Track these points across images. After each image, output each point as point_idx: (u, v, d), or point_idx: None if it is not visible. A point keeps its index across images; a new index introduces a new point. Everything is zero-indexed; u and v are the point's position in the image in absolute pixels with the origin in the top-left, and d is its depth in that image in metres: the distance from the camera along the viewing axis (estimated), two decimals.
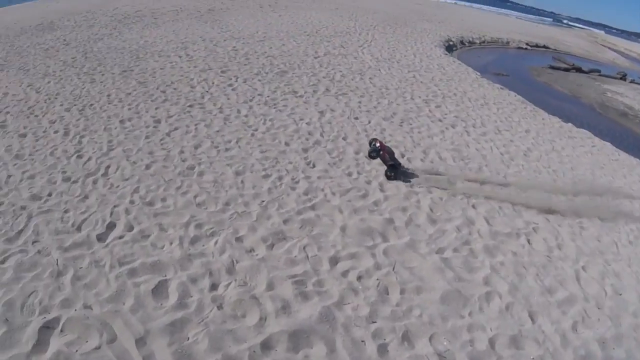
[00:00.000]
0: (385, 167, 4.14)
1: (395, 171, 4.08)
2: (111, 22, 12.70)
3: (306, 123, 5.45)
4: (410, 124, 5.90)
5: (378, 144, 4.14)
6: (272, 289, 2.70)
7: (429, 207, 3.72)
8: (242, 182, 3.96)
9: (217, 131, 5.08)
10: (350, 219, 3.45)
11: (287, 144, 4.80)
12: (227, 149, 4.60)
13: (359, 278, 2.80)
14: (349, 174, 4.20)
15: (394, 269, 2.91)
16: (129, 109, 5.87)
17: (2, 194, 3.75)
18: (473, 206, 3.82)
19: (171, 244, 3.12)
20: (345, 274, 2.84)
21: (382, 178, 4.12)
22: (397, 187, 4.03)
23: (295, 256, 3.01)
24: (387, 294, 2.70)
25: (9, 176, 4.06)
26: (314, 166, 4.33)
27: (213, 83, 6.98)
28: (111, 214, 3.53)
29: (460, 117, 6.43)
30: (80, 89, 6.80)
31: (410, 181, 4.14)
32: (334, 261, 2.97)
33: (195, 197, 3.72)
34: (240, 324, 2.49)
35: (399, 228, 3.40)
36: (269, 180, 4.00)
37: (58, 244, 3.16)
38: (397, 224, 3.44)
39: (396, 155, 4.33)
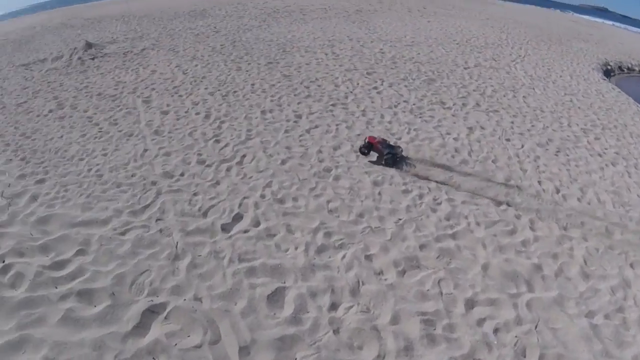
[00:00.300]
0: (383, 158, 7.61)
1: (394, 160, 7.57)
2: (261, 14, 23.49)
3: (453, 138, 8.71)
4: (567, 155, 8.99)
5: (367, 140, 7.68)
6: (397, 323, 4.29)
7: (582, 258, 5.63)
8: (379, 193, 6.63)
9: (358, 135, 8.37)
10: (494, 257, 5.42)
11: (431, 158, 7.83)
12: None
13: (496, 331, 4.30)
14: (498, 204, 6.73)
15: (536, 327, 4.38)
16: (271, 101, 9.99)
17: (136, 166, 7.14)
18: (631, 265, 5.64)
19: (296, 248, 5.34)
20: (480, 322, 4.40)
21: (534, 213, 6.60)
22: (549, 228, 6.24)
23: (428, 290, 4.78)
24: (524, 356, 4.07)
25: (145, 150, 7.70)
26: (458, 187, 6.99)
27: (358, 84, 11.57)
28: (240, 205, 6.06)
29: (621, 154, 9.49)
30: (226, 75, 11.99)
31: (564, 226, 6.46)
32: (470, 304, 4.63)
33: (328, 202, 6.32)
34: (355, 357, 4.05)
35: (547, 278, 5.18)
36: (408, 197, 6.62)
37: (181, 226, 5.63)
38: (546, 273, 5.25)
39: (548, 187, 7.57)
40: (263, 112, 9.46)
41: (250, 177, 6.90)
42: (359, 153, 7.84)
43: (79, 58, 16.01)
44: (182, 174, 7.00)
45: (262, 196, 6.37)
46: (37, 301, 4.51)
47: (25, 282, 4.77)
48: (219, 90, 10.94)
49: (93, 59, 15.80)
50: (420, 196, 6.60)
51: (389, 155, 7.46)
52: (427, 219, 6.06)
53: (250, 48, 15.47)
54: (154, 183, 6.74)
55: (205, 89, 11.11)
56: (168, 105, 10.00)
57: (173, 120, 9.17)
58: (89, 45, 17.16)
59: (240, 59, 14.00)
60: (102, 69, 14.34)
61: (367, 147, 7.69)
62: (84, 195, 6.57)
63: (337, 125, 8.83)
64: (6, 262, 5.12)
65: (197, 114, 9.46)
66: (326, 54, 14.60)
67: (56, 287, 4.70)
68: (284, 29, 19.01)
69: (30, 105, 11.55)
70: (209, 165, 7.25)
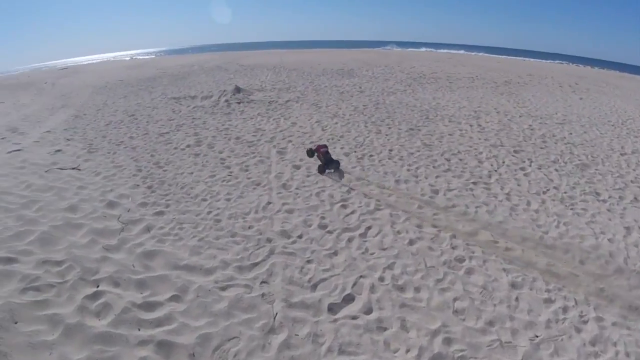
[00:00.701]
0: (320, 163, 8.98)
1: (331, 165, 9.13)
2: (407, 79, 23.83)
3: (608, 239, 7.35)
4: None
5: (314, 147, 9.28)
6: None
7: None
8: (516, 299, 5.65)
9: (500, 222, 7.42)
10: None
11: (581, 262, 6.55)
12: (507, 248, 6.72)
13: None
14: None
15: None
16: (408, 170, 9.44)
17: (255, 218, 7.04)
18: None
19: (407, 351, 4.66)
20: None
21: None
22: None
23: None
24: None
25: (269, 203, 7.61)
26: (610, 302, 5.70)
27: (503, 162, 10.54)
28: (354, 284, 5.53)
29: None
30: (365, 137, 11.77)
31: None
32: None
33: (455, 299, 5.52)
34: None
35: None
36: (550, 308, 5.53)
37: (286, 295, 5.24)
38: None
39: None
40: (397, 181, 8.94)
41: (372, 254, 6.31)
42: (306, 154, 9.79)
43: (226, 100, 17.06)
44: (300, 236, 6.68)
45: (381, 279, 5.76)
46: (115, 339, 4.42)
47: (110, 315, 4.76)
48: (354, 151, 10.74)
49: (239, 103, 16.78)
50: (565, 309, 5.49)
51: (328, 161, 9.23)
52: (569, 340, 5.01)
53: (392, 112, 15.36)
54: (269, 240, 6.53)
55: (342, 148, 10.97)
56: (301, 160, 9.99)
57: (303, 176, 9.06)
58: (237, 90, 18.25)
59: (381, 121, 13.87)
60: (245, 114, 15.22)
61: (312, 152, 9.68)
62: (197, 237, 6.57)
63: (476, 207, 7.96)
64: (100, 288, 5.22)
65: (330, 174, 9.15)
66: (471, 126, 13.85)
67: (139, 329, 4.61)
68: (428, 96, 18.82)
69: (171, 137, 12.35)
70: (330, 232, 6.83)
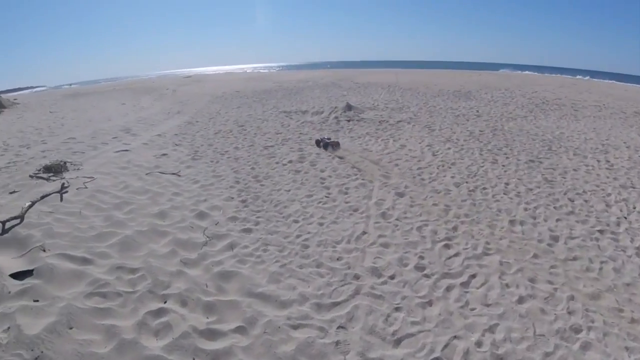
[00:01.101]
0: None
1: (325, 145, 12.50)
2: (528, 104, 21.56)
3: None
4: None
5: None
6: None
7: None
8: None
9: (627, 284, 5.76)
10: None
11: None
12: (633, 320, 5.12)
13: None
14: None
15: None
16: (525, 210, 8.11)
17: (346, 249, 6.37)
18: None
19: None
20: None
21: None
22: None
23: None
24: None
25: (364, 233, 6.91)
26: None
27: (634, 208, 8.54)
28: (445, 346, 4.56)
29: None
30: (479, 166, 10.65)
31: None
32: None
33: None
34: None
35: None
36: None
37: (362, 348, 4.45)
38: None
39: None
40: (512, 222, 7.66)
41: (473, 309, 5.24)
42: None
43: (336, 117, 16.80)
44: (392, 277, 5.85)
45: (479, 343, 4.68)
46: None
47: (168, 337, 4.42)
48: (466, 182, 9.58)
49: (349, 120, 16.43)
50: None
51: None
52: None
53: (511, 140, 13.72)
54: (356, 277, 5.79)
55: (452, 177, 9.89)
56: (406, 187, 9.11)
57: (406, 206, 8.19)
58: (349, 107, 17.94)
59: (498, 150, 12.42)
60: (353, 132, 14.69)
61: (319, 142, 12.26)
62: (279, 263, 6.07)
63: (601, 263, 6.38)
64: (166, 304, 4.96)
65: (435, 205, 8.27)
66: (598, 161, 11.80)
67: (193, 359, 4.17)
68: (551, 124, 16.68)
69: (275, 151, 12.25)
70: (427, 276, 5.89)
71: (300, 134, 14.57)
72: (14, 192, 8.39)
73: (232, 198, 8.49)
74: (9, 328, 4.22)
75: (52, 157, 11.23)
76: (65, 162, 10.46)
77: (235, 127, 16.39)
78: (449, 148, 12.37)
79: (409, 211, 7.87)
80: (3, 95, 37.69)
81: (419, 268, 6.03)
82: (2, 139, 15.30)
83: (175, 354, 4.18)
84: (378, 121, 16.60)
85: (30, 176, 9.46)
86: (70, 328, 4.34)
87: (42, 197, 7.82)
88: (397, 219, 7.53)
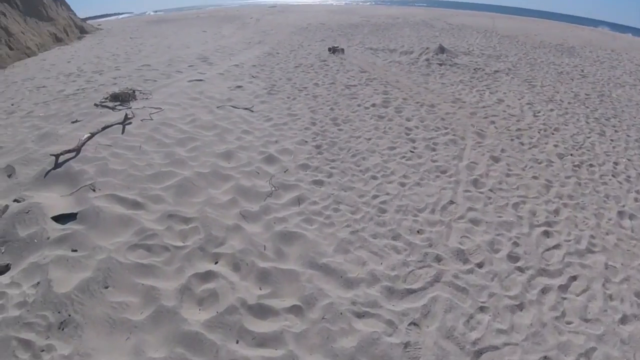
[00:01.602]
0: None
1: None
2: (636, 71, 18.13)
3: None
4: None
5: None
6: None
7: None
8: None
9: None
10: None
11: None
12: None
13: None
14: None
15: None
16: (636, 200, 6.72)
17: (429, 221, 5.46)
18: None
19: None
20: None
21: None
22: None
23: None
24: None
25: (451, 203, 5.93)
26: None
27: None
28: None
29: None
30: (585, 136, 9.11)
31: None
32: None
33: None
34: None
35: None
36: None
37: (436, 355, 3.65)
38: None
39: None
40: (621, 213, 6.28)
41: (569, 324, 4.24)
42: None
43: (427, 59, 15.38)
44: (480, 265, 4.87)
45: None
46: (204, 347, 3.54)
47: (212, 309, 3.90)
48: (571, 154, 8.13)
49: (440, 64, 14.91)
50: None
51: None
52: None
53: (620, 110, 11.68)
54: (438, 259, 4.87)
55: (555, 146, 8.47)
56: (502, 151, 7.86)
57: (501, 174, 7.03)
58: (441, 50, 16.43)
59: (606, 120, 10.56)
60: (445, 78, 13.29)
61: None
62: (350, 228, 5.26)
63: None
64: (216, 267, 4.41)
65: (535, 178, 7.03)
66: None
67: (237, 342, 3.62)
68: None
69: (357, 92, 11.27)
70: (521, 269, 4.85)
71: (386, 73, 13.40)
72: (76, 121, 8.10)
73: (306, 142, 7.74)
74: (38, 283, 3.86)
75: (123, 85, 10.96)
76: (134, 91, 10.09)
77: (317, 61, 15.47)
78: (552, 110, 10.79)
79: (505, 181, 6.73)
80: (89, 22, 38.60)
81: (513, 257, 5.03)
82: (77, 65, 15.39)
83: (217, 333, 3.62)
84: (473, 68, 14.96)
85: (96, 105, 9.14)
86: (106, 287, 3.91)
87: (103, 129, 7.45)
88: (490, 190, 6.43)
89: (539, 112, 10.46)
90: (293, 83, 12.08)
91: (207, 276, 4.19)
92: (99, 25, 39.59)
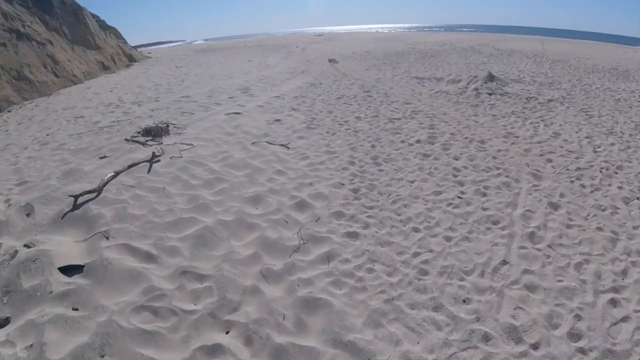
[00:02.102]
0: None
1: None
2: None
3: None
4: None
5: None
6: None
7: None
8: None
9: None
10: None
11: None
12: None
13: None
14: None
15: None
16: None
17: (478, 287, 4.73)
18: None
19: None
20: None
21: None
22: None
23: None
24: None
25: (504, 263, 5.11)
26: None
27: None
28: None
29: None
30: None
31: None
32: None
33: None
34: None
35: None
36: None
37: None
38: None
39: None
40: None
41: None
42: None
43: (476, 89, 14.58)
44: (535, 345, 3.98)
45: None
46: None
47: None
48: (637, 197, 7.02)
49: (490, 94, 14.08)
50: None
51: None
52: None
53: None
54: (486, 338, 4.05)
55: (619, 187, 7.39)
56: (561, 196, 6.93)
57: (561, 224, 6.11)
58: (490, 78, 15.63)
59: None
60: (495, 109, 12.44)
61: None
62: (385, 295, 4.57)
63: None
64: (225, 340, 3.83)
65: (599, 229, 6.03)
66: None
67: None
68: None
69: (402, 126, 10.67)
70: (583, 351, 3.93)
71: (433, 106, 12.71)
72: (104, 157, 7.95)
73: (343, 184, 7.15)
74: (31, 346, 3.52)
75: (159, 117, 10.83)
76: (167, 125, 9.88)
77: (360, 92, 14.99)
78: (613, 144, 9.65)
79: (565, 234, 5.83)
80: (141, 49, 39.70)
81: (574, 336, 4.14)
82: (119, 94, 15.50)
83: None
84: (525, 97, 14.02)
85: (127, 139, 8.86)
86: (102, 356, 3.49)
87: (129, 167, 7.20)
88: (549, 246, 5.55)
89: (599, 146, 9.39)
90: (334, 116, 11.61)
91: (214, 350, 3.66)
92: (149, 53, 40.69)
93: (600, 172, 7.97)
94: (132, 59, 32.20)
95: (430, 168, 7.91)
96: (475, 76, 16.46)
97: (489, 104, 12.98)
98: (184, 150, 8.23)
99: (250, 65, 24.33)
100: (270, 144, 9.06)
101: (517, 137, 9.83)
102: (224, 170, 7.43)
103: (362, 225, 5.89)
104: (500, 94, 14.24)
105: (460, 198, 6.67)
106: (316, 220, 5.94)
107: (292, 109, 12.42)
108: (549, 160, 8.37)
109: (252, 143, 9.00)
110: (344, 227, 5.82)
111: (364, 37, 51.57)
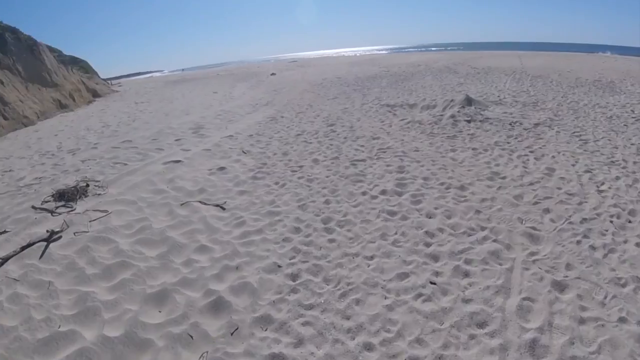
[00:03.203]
0: None
1: None
2: None
3: None
4: None
5: None
6: None
7: None
8: None
9: None
10: None
11: None
12: None
13: None
14: None
15: None
16: None
17: None
18: None
19: None
20: None
21: None
22: None
23: None
24: None
25: None
26: None
27: None
28: None
29: None
30: None
31: None
32: None
33: None
34: None
35: None
36: None
37: None
38: None
39: None
40: None
41: None
42: None
43: (452, 116, 13.02)
44: None
45: None
46: None
47: None
48: None
49: (469, 121, 12.57)
50: None
51: None
52: None
53: None
54: None
55: (637, 245, 5.60)
56: (568, 268, 5.14)
57: (572, 320, 4.29)
58: (468, 101, 14.16)
59: None
60: (476, 141, 10.78)
61: None
62: None
63: None
64: None
65: (621, 320, 4.26)
66: None
67: None
68: None
69: (365, 170, 9.06)
70: None
71: (404, 141, 11.02)
72: (4, 232, 6.38)
73: (279, 267, 5.41)
74: None
75: (87, 171, 9.44)
76: (87, 185, 8.23)
77: (323, 126, 13.48)
78: (618, 177, 7.91)
79: (579, 338, 4.05)
80: (119, 80, 38.42)
81: None
82: (62, 139, 14.39)
83: None
84: (509, 123, 12.40)
85: (33, 207, 7.23)
86: None
87: (23, 248, 5.73)
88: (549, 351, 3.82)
89: (602, 184, 7.64)
90: (288, 159, 10.01)
91: None
92: (120, 85, 39.31)
93: (611, 222, 6.28)
94: (95, 94, 30.70)
95: (395, 234, 6.14)
96: (452, 100, 14.96)
97: (468, 134, 11.36)
98: (93, 220, 6.57)
99: (213, 98, 22.91)
100: (204, 203, 7.42)
101: (504, 177, 8.16)
102: (134, 249, 5.77)
103: (293, 339, 4.16)
104: (480, 121, 12.66)
105: (434, 284, 4.87)
106: (232, 334, 4.21)
107: (243, 151, 10.80)
108: (547, 211, 6.64)
109: (182, 204, 7.29)
110: (269, 344, 4.09)
111: (338, 62, 50.79)
